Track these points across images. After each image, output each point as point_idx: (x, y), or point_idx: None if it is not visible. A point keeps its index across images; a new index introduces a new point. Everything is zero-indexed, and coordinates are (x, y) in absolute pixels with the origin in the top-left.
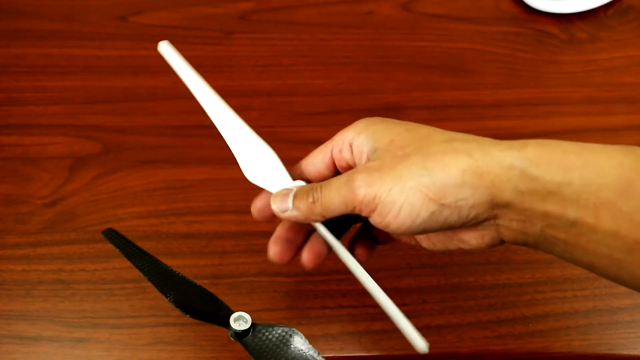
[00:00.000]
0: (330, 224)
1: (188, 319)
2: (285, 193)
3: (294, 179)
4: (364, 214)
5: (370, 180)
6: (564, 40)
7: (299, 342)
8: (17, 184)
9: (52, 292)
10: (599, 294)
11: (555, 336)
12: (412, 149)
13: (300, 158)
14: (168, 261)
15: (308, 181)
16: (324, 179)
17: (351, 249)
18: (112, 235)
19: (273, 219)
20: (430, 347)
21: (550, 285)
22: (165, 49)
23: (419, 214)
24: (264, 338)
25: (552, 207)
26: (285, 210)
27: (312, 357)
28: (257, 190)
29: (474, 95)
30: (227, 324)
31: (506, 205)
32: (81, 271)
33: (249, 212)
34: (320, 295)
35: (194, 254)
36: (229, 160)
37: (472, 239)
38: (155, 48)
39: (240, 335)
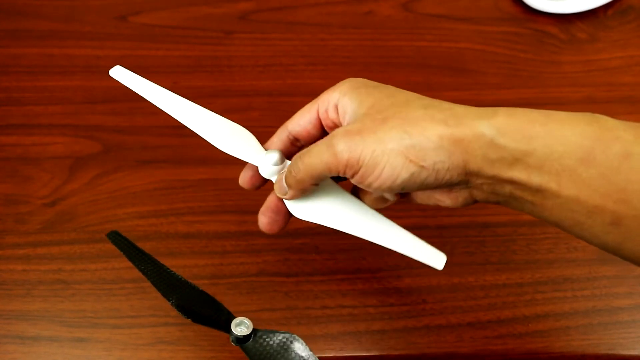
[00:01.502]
0: None
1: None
2: (280, 178)
3: (282, 140)
4: (347, 175)
5: (352, 144)
6: (564, 41)
7: (299, 349)
8: (17, 184)
9: (52, 292)
10: (598, 294)
11: (555, 336)
12: (391, 113)
13: None
14: (168, 261)
15: (295, 140)
16: (311, 137)
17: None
18: (116, 238)
19: (260, 187)
20: (430, 347)
21: (550, 286)
22: (118, 72)
23: (399, 175)
24: (265, 344)
25: (518, 173)
26: (286, 193)
27: None
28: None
29: (474, 95)
30: (228, 329)
31: (477, 172)
32: (81, 271)
33: (249, 212)
34: (320, 295)
35: (194, 254)
36: (229, 160)
37: (447, 199)
38: (155, 48)
39: (241, 340)
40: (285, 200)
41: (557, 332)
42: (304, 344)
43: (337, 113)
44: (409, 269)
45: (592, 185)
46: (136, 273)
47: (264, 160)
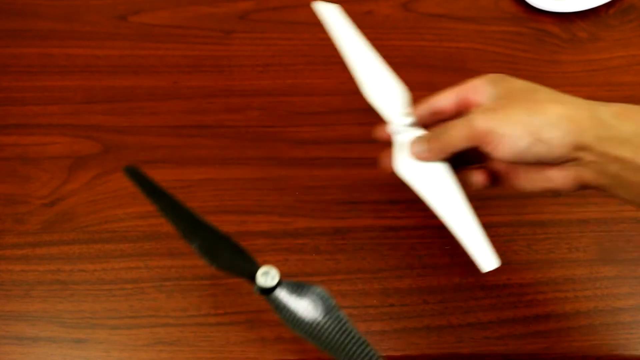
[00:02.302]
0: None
1: (187, 319)
2: (419, 140)
3: (424, 110)
4: (480, 144)
5: (487, 117)
6: (565, 40)
7: (327, 303)
8: (16, 184)
9: (51, 293)
10: (600, 295)
11: (556, 337)
12: (521, 96)
13: (301, 158)
14: (168, 261)
15: (434, 114)
16: (448, 114)
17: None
18: (134, 173)
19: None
20: (430, 348)
21: (551, 286)
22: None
23: (518, 144)
24: (290, 296)
25: (625, 153)
26: (423, 152)
27: (339, 320)
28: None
29: None
30: (253, 278)
31: (587, 148)
32: (80, 271)
33: (249, 212)
34: None
35: (194, 254)
36: (229, 160)
37: (558, 177)
38: (155, 48)
39: (266, 291)
40: (397, 156)
41: (558, 333)
42: (331, 297)
43: (477, 97)
44: (410, 270)
45: None
46: (136, 273)
47: (400, 120)
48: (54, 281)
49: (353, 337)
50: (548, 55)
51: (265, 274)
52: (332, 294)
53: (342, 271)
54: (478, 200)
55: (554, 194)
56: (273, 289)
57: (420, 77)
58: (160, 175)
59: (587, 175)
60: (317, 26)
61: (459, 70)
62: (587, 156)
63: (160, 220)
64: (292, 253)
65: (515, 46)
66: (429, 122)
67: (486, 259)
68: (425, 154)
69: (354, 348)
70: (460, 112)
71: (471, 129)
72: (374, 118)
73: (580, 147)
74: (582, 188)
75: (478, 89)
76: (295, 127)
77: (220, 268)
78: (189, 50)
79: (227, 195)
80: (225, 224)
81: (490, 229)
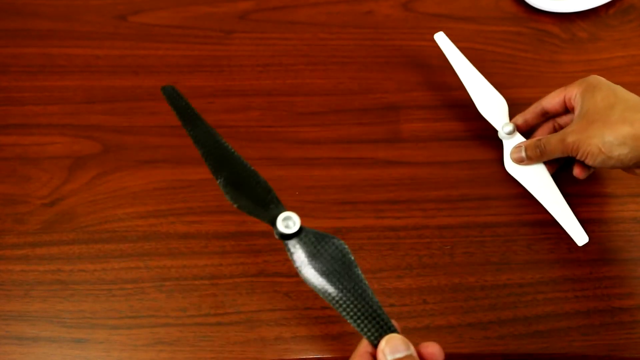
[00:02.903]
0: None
1: (187, 319)
2: (518, 149)
3: (534, 112)
4: (572, 155)
5: (574, 138)
6: (565, 40)
7: (346, 256)
8: (16, 184)
9: (51, 293)
10: (600, 295)
11: (556, 337)
12: (599, 117)
13: (301, 158)
14: (168, 261)
15: (545, 113)
16: (557, 112)
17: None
18: (172, 94)
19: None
20: None
21: (551, 286)
22: (442, 39)
23: (595, 159)
24: (310, 244)
25: None
26: (522, 160)
27: (355, 277)
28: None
29: None
30: (273, 223)
31: None
32: (80, 271)
33: None
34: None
35: (193, 254)
36: None
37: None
38: (154, 48)
39: (285, 237)
40: (505, 159)
41: (558, 333)
42: (350, 253)
43: (573, 104)
44: (410, 270)
45: None
46: (136, 273)
47: (503, 129)
48: (54, 281)
49: (366, 297)
50: (548, 55)
51: (287, 219)
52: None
53: None
54: (478, 201)
55: None
56: (293, 235)
57: (420, 77)
58: (161, 175)
59: None
60: (317, 26)
61: None
62: None
63: (160, 220)
64: None
65: (515, 46)
66: (540, 120)
67: (580, 235)
68: (526, 162)
69: (366, 307)
70: (564, 110)
71: (564, 145)
72: (374, 118)
73: None
74: None
75: (573, 98)
76: (295, 127)
77: (241, 208)
78: (189, 50)
79: None
80: (225, 224)
81: (490, 229)
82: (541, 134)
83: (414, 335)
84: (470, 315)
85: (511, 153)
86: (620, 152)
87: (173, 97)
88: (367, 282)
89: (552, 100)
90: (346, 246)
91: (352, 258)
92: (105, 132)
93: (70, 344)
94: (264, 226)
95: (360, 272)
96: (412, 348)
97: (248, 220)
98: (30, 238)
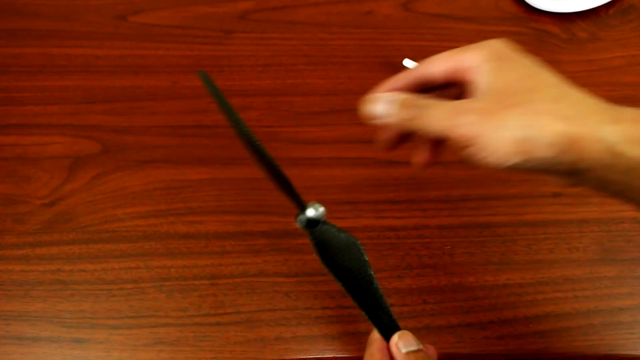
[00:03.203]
0: None
1: (187, 319)
2: (391, 99)
3: (408, 79)
4: (456, 144)
5: (471, 121)
6: (565, 40)
7: (361, 252)
8: (16, 184)
9: (51, 293)
10: (600, 295)
11: (556, 337)
12: (520, 100)
13: (301, 158)
14: (168, 261)
15: (422, 84)
16: (439, 84)
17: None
18: (207, 80)
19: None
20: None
21: (551, 286)
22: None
23: (506, 161)
24: (331, 235)
25: (632, 179)
26: (389, 116)
27: (367, 277)
28: (257, 190)
29: None
30: (303, 208)
31: (588, 171)
32: (80, 271)
33: (248, 212)
34: (320, 295)
35: (193, 254)
36: (229, 160)
37: (553, 180)
38: (154, 48)
39: (312, 224)
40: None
41: (558, 333)
42: (365, 253)
43: (473, 76)
44: (410, 269)
45: None
46: (136, 273)
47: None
48: (54, 281)
49: (376, 298)
50: (548, 55)
51: (315, 208)
52: (333, 294)
53: None
54: (478, 201)
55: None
56: (319, 223)
57: None
58: (160, 176)
59: (586, 183)
60: (317, 26)
61: None
62: (587, 174)
63: (160, 220)
64: (292, 253)
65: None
66: (414, 92)
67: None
68: (390, 119)
69: (375, 307)
70: (451, 82)
71: (450, 127)
72: None
73: (580, 170)
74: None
75: (474, 68)
76: (295, 127)
77: (279, 185)
78: (188, 50)
79: (227, 195)
80: (225, 224)
81: (490, 229)
82: None
83: (414, 335)
84: (470, 315)
85: (376, 100)
86: (546, 155)
87: (209, 84)
88: (378, 284)
89: (436, 67)
90: (360, 246)
91: (366, 258)
92: (105, 132)
93: (71, 344)
94: (264, 226)
95: (372, 273)
96: (420, 344)
97: (248, 220)
98: (30, 238)
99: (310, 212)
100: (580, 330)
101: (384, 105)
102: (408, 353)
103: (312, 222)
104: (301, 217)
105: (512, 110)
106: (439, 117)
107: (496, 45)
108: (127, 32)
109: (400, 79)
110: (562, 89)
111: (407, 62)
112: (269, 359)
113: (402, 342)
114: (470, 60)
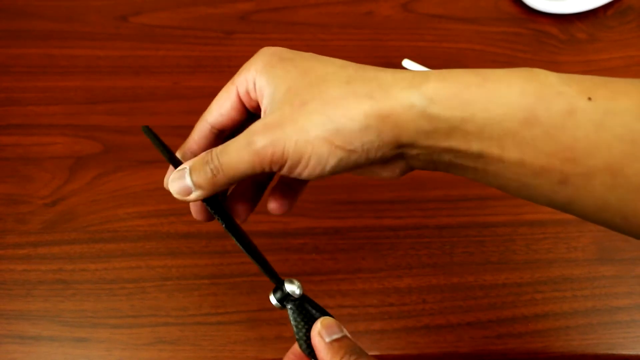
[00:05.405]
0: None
1: (188, 318)
2: (180, 175)
3: (203, 136)
4: (274, 170)
5: (274, 137)
6: (564, 41)
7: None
8: (18, 184)
9: (52, 292)
10: (598, 294)
11: (554, 336)
12: (310, 96)
13: None
14: (168, 261)
15: (220, 133)
16: (237, 124)
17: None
18: (150, 134)
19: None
20: (430, 347)
21: (549, 285)
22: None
23: (327, 162)
24: (305, 312)
25: (455, 142)
26: (189, 193)
27: None
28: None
29: None
30: (281, 284)
31: (411, 144)
32: (82, 271)
33: None
34: (320, 295)
35: (194, 254)
36: None
37: (383, 172)
38: (155, 48)
39: (291, 299)
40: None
41: (556, 332)
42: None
43: (259, 97)
44: (409, 269)
45: (536, 146)
46: (137, 273)
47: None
48: (56, 280)
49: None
50: (547, 56)
51: (291, 282)
52: (332, 293)
53: (342, 271)
54: (477, 200)
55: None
56: (298, 298)
57: None
58: (161, 175)
59: (417, 164)
60: (317, 27)
61: None
62: (411, 150)
63: (161, 220)
64: (292, 253)
65: (514, 47)
66: (217, 143)
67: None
68: (197, 195)
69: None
70: (245, 115)
71: (255, 155)
72: None
73: (402, 145)
74: (413, 170)
75: (252, 89)
76: None
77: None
78: (189, 51)
79: None
80: None
81: (489, 228)
82: None
83: (414, 334)
84: (469, 315)
85: (170, 181)
86: (366, 139)
87: (152, 137)
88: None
89: (220, 109)
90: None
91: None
92: (106, 132)
93: (72, 343)
94: (264, 226)
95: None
96: (345, 330)
97: (248, 220)
98: (32, 238)
99: (290, 288)
100: (578, 329)
101: (178, 184)
102: (332, 342)
103: (294, 298)
104: (278, 295)
105: (306, 108)
106: (238, 151)
107: (264, 54)
108: (128, 32)
109: (193, 140)
110: (348, 69)
111: (407, 63)
112: (270, 358)
113: (325, 331)
114: (245, 81)
